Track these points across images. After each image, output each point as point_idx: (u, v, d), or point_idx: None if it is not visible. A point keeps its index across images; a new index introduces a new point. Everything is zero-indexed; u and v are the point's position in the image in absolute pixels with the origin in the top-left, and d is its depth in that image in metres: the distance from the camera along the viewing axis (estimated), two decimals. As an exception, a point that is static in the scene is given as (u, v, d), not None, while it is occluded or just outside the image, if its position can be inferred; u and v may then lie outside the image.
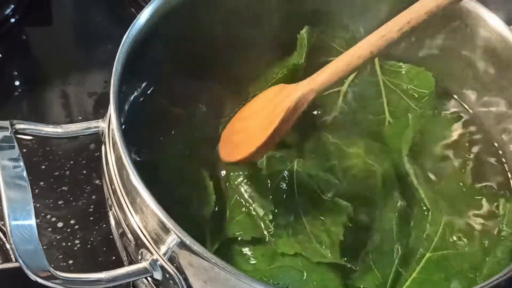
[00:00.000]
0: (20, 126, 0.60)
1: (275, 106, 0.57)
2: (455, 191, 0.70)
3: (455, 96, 0.80)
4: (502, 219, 0.67)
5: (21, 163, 0.56)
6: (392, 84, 0.77)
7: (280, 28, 0.78)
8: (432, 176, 0.71)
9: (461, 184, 0.71)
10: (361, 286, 0.62)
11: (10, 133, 0.59)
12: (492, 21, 0.72)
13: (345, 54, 0.55)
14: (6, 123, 0.59)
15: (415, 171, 0.69)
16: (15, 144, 0.58)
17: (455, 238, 0.65)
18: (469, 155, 0.74)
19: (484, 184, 0.72)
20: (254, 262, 0.62)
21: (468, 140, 0.76)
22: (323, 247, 0.62)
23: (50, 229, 0.76)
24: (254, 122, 0.59)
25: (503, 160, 0.75)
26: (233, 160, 0.60)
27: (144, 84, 0.72)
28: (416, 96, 0.76)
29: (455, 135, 0.76)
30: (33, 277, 0.52)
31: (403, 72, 0.78)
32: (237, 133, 0.60)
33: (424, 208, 0.67)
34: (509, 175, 0.74)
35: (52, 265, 0.53)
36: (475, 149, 0.75)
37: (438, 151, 0.74)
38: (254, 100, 0.63)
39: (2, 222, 0.72)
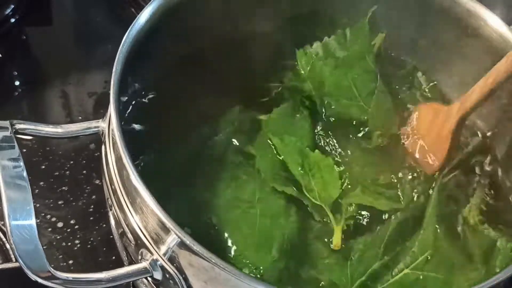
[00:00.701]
0: (20, 126, 0.60)
1: (439, 130, 0.68)
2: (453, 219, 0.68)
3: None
4: (496, 257, 0.64)
5: (21, 163, 0.56)
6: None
7: (281, 25, 0.79)
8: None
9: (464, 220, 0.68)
10: (328, 277, 0.62)
11: (10, 133, 0.58)
12: (492, 21, 0.72)
13: (485, 78, 0.64)
14: (6, 123, 0.59)
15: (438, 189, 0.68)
16: (15, 144, 0.58)
17: (439, 264, 0.62)
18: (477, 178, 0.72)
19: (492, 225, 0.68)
20: None
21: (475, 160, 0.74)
22: None
23: (50, 229, 0.76)
24: (426, 142, 0.70)
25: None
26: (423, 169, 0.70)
27: (144, 84, 0.72)
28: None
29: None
30: (33, 277, 0.52)
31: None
32: (418, 145, 0.71)
33: (421, 226, 0.65)
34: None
35: (52, 265, 0.53)
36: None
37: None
38: (418, 118, 0.72)
39: (2, 222, 0.72)
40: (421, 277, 0.61)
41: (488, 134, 0.75)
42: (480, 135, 0.75)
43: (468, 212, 0.67)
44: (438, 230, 0.64)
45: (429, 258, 0.62)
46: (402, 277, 0.61)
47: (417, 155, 0.70)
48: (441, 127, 0.68)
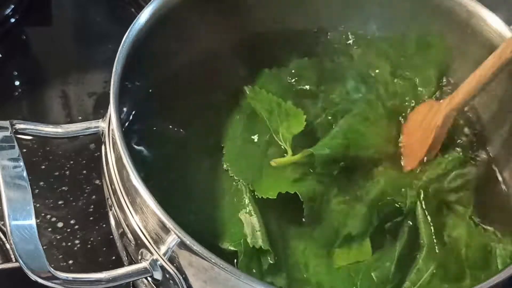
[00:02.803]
0: (20, 126, 0.60)
1: (428, 123, 0.68)
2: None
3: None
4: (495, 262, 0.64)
5: (21, 163, 0.56)
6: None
7: (283, 28, 0.79)
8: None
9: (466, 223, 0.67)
10: None
11: (10, 133, 0.58)
12: (492, 21, 0.72)
13: (473, 75, 0.65)
14: (6, 123, 0.59)
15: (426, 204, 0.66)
16: (15, 144, 0.58)
17: (444, 278, 0.61)
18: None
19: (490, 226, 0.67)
20: None
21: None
22: None
23: (50, 229, 0.76)
24: (415, 137, 0.70)
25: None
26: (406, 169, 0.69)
27: (144, 84, 0.72)
28: None
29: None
30: (33, 277, 0.52)
31: None
32: (405, 145, 0.71)
33: (421, 241, 0.64)
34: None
35: (52, 265, 0.53)
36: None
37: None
38: (414, 116, 0.72)
39: (2, 222, 0.72)
40: None
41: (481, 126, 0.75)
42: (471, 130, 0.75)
43: (464, 213, 0.67)
44: (436, 244, 0.64)
45: (434, 272, 0.61)
46: None
47: (403, 151, 0.70)
48: (429, 122, 0.68)
